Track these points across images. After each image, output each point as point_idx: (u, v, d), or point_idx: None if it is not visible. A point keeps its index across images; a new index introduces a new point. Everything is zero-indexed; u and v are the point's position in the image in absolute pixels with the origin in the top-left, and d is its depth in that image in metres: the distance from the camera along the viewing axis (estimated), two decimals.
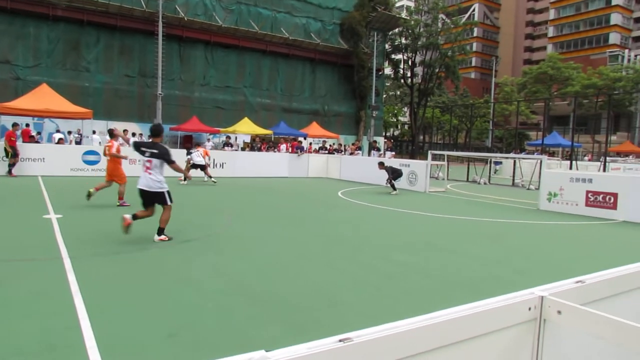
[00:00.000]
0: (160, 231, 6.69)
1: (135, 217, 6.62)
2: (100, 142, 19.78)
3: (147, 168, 6.73)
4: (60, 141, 18.48)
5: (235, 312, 4.05)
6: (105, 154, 10.53)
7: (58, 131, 21.03)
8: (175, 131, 27.40)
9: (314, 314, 4.13)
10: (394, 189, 14.98)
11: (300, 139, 26.59)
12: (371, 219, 9.92)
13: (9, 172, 14.25)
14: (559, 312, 1.40)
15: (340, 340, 1.17)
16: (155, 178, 6.64)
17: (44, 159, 14.66)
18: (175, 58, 29.28)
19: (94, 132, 20.97)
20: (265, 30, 32.12)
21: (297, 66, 34.72)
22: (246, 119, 28.05)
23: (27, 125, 19.73)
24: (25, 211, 8.72)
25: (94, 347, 3.22)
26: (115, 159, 10.18)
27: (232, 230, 7.91)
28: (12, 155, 14.31)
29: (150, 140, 7.05)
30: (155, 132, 6.99)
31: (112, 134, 10.06)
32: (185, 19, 28.56)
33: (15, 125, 15.09)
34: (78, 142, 20.33)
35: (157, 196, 6.71)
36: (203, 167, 15.72)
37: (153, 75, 26.78)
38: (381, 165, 15.40)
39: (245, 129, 26.85)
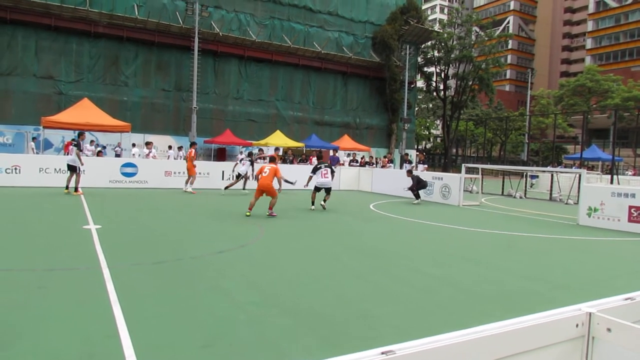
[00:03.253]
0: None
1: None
2: (139, 155, 20.41)
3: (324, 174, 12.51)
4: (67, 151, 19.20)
5: (268, 324, 4.06)
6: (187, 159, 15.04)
7: (92, 142, 21.68)
8: (210, 144, 27.93)
9: (347, 327, 4.09)
10: (418, 197, 15.12)
11: (331, 151, 26.62)
12: (404, 232, 9.81)
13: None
14: (609, 329, 1.34)
15: (382, 353, 1.15)
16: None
17: (84, 171, 15.15)
18: (210, 72, 30.01)
19: (133, 145, 21.59)
20: (298, 44, 32.57)
21: (329, 79, 34.99)
22: (278, 132, 28.37)
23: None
24: (65, 222, 9.03)
25: (132, 355, 3.28)
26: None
27: (264, 241, 7.96)
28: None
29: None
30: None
31: (192, 143, 15.61)
32: (220, 34, 29.28)
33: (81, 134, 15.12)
34: (118, 155, 20.97)
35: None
36: (242, 176, 16.38)
37: (188, 89, 27.50)
38: (409, 173, 15.84)
39: (277, 141, 27.15)
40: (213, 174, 17.87)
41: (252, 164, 16.53)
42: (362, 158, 28.43)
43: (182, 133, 28.17)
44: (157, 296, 4.71)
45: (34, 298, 4.47)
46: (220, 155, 29.21)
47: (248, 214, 10.69)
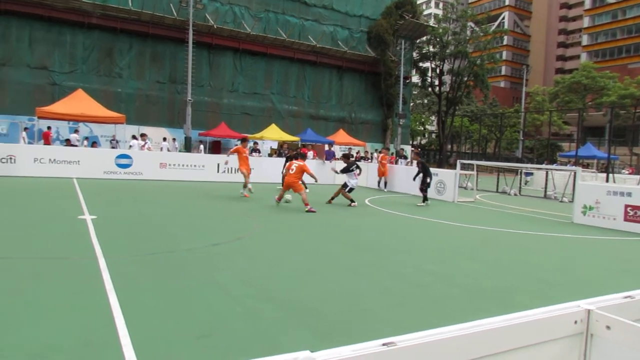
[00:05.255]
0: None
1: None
2: (142, 147, 20.31)
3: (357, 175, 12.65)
4: (67, 142, 19.10)
5: (263, 317, 4.07)
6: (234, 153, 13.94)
7: (76, 131, 21.53)
8: (204, 137, 27.84)
9: (341, 321, 4.11)
10: (425, 200, 14.22)
11: (326, 146, 26.66)
12: (398, 228, 9.85)
13: None
14: (608, 327, 1.36)
15: (383, 344, 1.16)
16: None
17: (79, 161, 15.12)
18: (204, 65, 29.84)
19: (133, 137, 21.51)
20: (293, 37, 32.43)
21: (325, 73, 34.90)
22: (273, 125, 28.31)
23: (49, 128, 20.34)
24: (61, 212, 8.99)
25: (129, 344, 3.29)
26: (244, 159, 13.56)
27: (260, 235, 7.97)
28: None
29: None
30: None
31: (244, 139, 14.52)
32: (215, 26, 29.10)
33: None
34: (114, 147, 20.82)
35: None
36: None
37: (183, 81, 27.34)
38: (417, 156, 15.91)
39: (273, 135, 27.09)
40: (208, 167, 17.83)
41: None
42: (357, 153, 28.45)
43: (176, 125, 28.03)
44: (152, 287, 4.71)
45: (29, 286, 4.46)
46: (215, 148, 29.11)
47: (277, 203, 11.77)
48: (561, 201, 18.11)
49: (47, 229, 7.39)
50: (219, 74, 30.76)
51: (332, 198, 12.83)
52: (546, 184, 20.34)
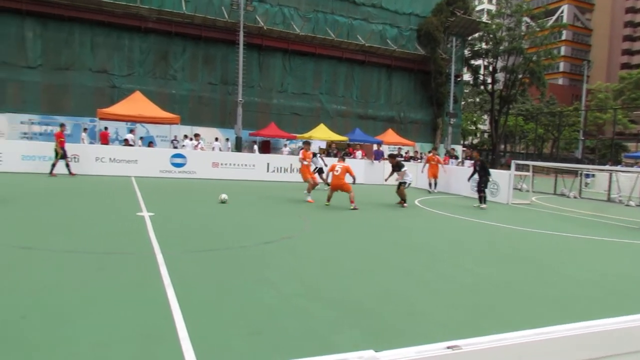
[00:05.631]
0: None
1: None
2: (196, 147, 21.09)
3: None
4: (126, 142, 19.98)
5: (314, 316, 4.09)
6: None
7: (132, 131, 22.48)
8: (255, 136, 28.39)
9: (392, 322, 4.07)
10: (483, 202, 13.59)
11: (375, 146, 26.49)
12: (450, 229, 9.63)
13: (51, 172, 14.92)
14: None
15: (448, 347, 1.14)
16: None
17: (136, 161, 15.84)
18: (254, 66, 30.39)
19: (186, 137, 22.28)
20: (342, 37, 32.42)
21: (373, 73, 34.67)
22: (322, 125, 28.43)
23: (106, 128, 21.36)
24: (120, 209, 9.44)
25: (186, 337, 3.40)
26: (306, 167, 13.42)
27: (309, 234, 8.02)
28: (62, 156, 15.06)
29: None
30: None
31: (307, 142, 14.32)
32: (265, 28, 29.56)
33: (62, 125, 16.12)
34: (175, 147, 21.59)
35: None
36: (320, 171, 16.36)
37: (234, 83, 27.97)
38: (478, 153, 15.58)
39: (321, 135, 27.22)
40: (258, 166, 18.16)
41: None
42: (406, 153, 28.09)
43: (227, 125, 28.73)
44: (207, 282, 4.85)
45: (94, 279, 4.70)
46: (265, 147, 29.59)
47: (327, 204, 11.71)
48: (627, 205, 17.07)
49: (109, 224, 7.77)
50: (268, 75, 31.24)
51: (403, 200, 12.68)
52: (610, 186, 19.23)
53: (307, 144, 14.25)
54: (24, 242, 6.05)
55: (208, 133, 26.65)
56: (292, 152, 24.71)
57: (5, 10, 24.38)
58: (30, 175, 14.60)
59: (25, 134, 24.42)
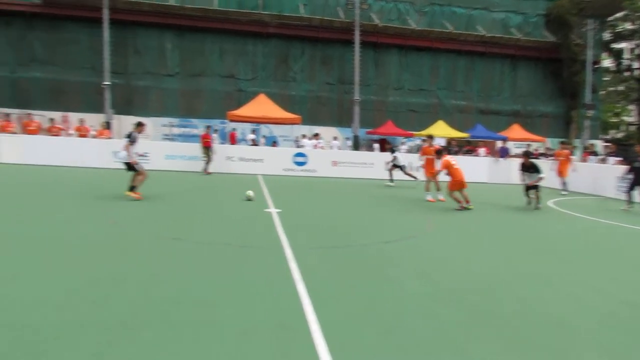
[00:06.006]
0: None
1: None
2: (309, 146, 21.90)
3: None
4: (253, 142, 21.07)
5: (444, 319, 3.96)
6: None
7: (253, 132, 23.78)
8: (372, 135, 28.49)
9: (535, 335, 3.76)
10: (630, 203, 12.06)
11: (499, 142, 24.94)
12: (596, 235, 8.70)
13: (205, 170, 16.36)
14: None
15: None
16: None
17: (262, 159, 16.86)
18: (370, 64, 30.44)
19: (304, 137, 23.17)
20: (460, 29, 31.03)
21: (495, 65, 32.63)
22: (440, 121, 27.55)
23: (234, 129, 22.93)
24: (250, 205, 10.09)
25: (318, 330, 3.52)
26: (429, 162, 12.43)
27: (434, 234, 7.82)
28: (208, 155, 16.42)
29: None
30: None
31: (430, 136, 13.29)
32: (380, 25, 29.44)
33: (208, 127, 17.41)
34: (299, 147, 22.53)
35: None
36: (402, 168, 16.06)
37: (350, 82, 28.29)
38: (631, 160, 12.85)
39: (440, 132, 26.36)
40: (377, 165, 18.18)
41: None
42: (535, 150, 26.03)
43: (345, 125, 29.19)
44: (334, 278, 4.97)
45: (232, 269, 5.10)
46: (382, 146, 29.49)
47: (471, 207, 10.74)
48: None
49: (240, 219, 8.36)
50: (384, 72, 31.09)
51: (538, 203, 11.58)
52: None
53: (429, 138, 13.36)
54: (174, 233, 6.76)
55: (326, 132, 27.34)
56: (410, 150, 24.30)
57: (148, 25, 27.48)
58: (171, 173, 16.28)
59: (166, 135, 27.30)
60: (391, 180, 15.75)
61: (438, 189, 12.17)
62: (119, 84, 26.17)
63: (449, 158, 11.27)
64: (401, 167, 15.93)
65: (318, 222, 8.40)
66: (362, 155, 19.30)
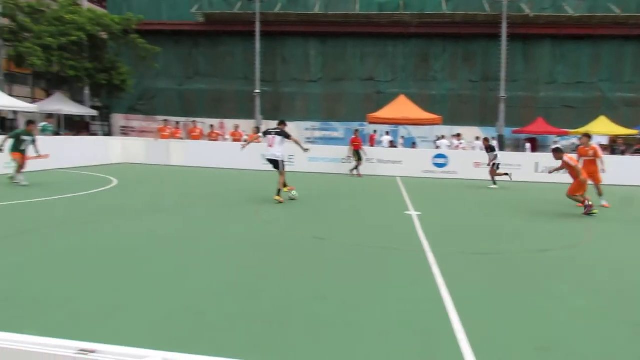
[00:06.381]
0: None
1: None
2: (447, 146, 21.31)
3: None
4: (391, 144, 20.83)
5: (614, 341, 3.54)
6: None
7: (387, 133, 23.62)
8: (518, 134, 26.51)
9: None
10: None
11: None
12: None
13: (356, 173, 16.64)
14: None
15: None
16: None
17: (401, 161, 16.79)
18: (518, 58, 28.32)
19: (442, 137, 22.55)
20: (629, 11, 27.12)
21: None
22: (602, 117, 24.44)
23: (375, 132, 23.05)
24: (390, 207, 10.15)
25: (464, 339, 3.41)
26: (588, 163, 10.84)
27: (595, 244, 7.02)
28: (358, 158, 16.69)
29: None
30: None
31: (588, 135, 11.46)
32: (531, 15, 27.18)
33: (356, 131, 17.67)
34: (438, 147, 22.12)
35: None
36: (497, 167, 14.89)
37: (496, 78, 26.66)
38: None
39: (602, 128, 23.41)
40: (525, 166, 16.86)
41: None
42: None
43: (488, 124, 27.62)
44: (483, 287, 4.76)
45: (375, 270, 5.19)
46: (532, 145, 27.23)
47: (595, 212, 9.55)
48: None
49: (381, 221, 8.47)
50: (534, 66, 28.68)
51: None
52: None
53: (586, 136, 11.61)
54: (318, 233, 7.12)
55: (468, 132, 26.15)
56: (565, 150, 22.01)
57: (294, 34, 29.24)
58: (314, 174, 17.08)
59: (308, 138, 28.75)
60: (494, 182, 14.62)
61: (600, 193, 10.86)
62: (267, 91, 28.41)
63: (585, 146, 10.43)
64: (497, 166, 14.77)
65: (460, 226, 8.11)
66: (509, 156, 18.02)
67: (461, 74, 29.10)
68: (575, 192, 9.69)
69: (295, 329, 3.59)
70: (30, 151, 11.18)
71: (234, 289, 4.48)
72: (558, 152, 10.23)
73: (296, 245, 6.35)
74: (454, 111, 28.20)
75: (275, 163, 9.89)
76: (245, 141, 14.46)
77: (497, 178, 14.56)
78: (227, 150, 18.58)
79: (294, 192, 10.16)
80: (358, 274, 5.07)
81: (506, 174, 14.70)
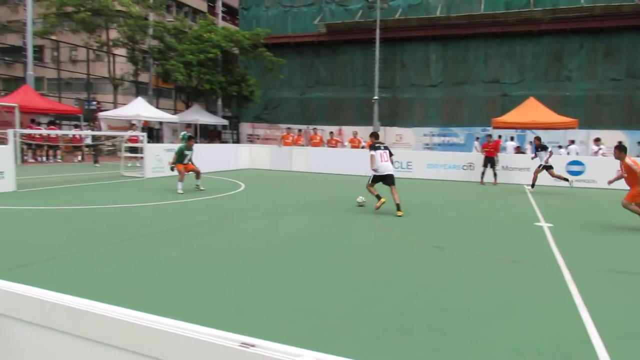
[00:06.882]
0: None
1: None
2: (577, 153, 19.45)
3: None
4: (517, 149, 19.24)
5: None
6: None
7: (512, 138, 22.01)
8: None
9: None
10: None
11: None
12: None
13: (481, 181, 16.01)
14: None
15: None
16: None
17: (529, 168, 15.53)
18: None
19: (572, 142, 20.59)
20: None
21: None
22: None
23: (500, 137, 21.60)
24: (518, 217, 9.52)
25: None
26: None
27: None
28: (492, 164, 15.92)
29: None
30: None
31: None
32: None
33: (489, 136, 16.85)
34: (569, 154, 20.35)
35: None
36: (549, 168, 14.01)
37: None
38: None
39: None
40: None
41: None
42: None
43: (634, 126, 24.50)
44: (632, 311, 4.27)
45: (505, 284, 4.93)
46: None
47: None
48: None
49: (508, 232, 7.98)
50: None
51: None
52: None
53: None
54: (438, 241, 6.95)
55: (609, 136, 23.45)
56: None
57: (414, 39, 28.83)
58: (434, 181, 16.66)
59: (426, 144, 28.11)
60: (532, 185, 14.07)
61: None
62: (386, 97, 28.38)
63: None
64: (550, 168, 13.96)
65: (600, 241, 7.33)
66: None
67: (601, 72, 26.21)
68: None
69: (418, 338, 3.58)
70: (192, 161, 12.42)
71: (353, 293, 4.58)
72: (620, 151, 8.51)
73: (413, 253, 6.28)
74: (591, 113, 25.49)
75: (390, 178, 9.59)
76: (363, 147, 14.51)
77: (552, 180, 14.21)
78: (346, 157, 18.94)
79: (362, 198, 10.18)
80: (483, 287, 4.87)
81: (566, 179, 14.00)
